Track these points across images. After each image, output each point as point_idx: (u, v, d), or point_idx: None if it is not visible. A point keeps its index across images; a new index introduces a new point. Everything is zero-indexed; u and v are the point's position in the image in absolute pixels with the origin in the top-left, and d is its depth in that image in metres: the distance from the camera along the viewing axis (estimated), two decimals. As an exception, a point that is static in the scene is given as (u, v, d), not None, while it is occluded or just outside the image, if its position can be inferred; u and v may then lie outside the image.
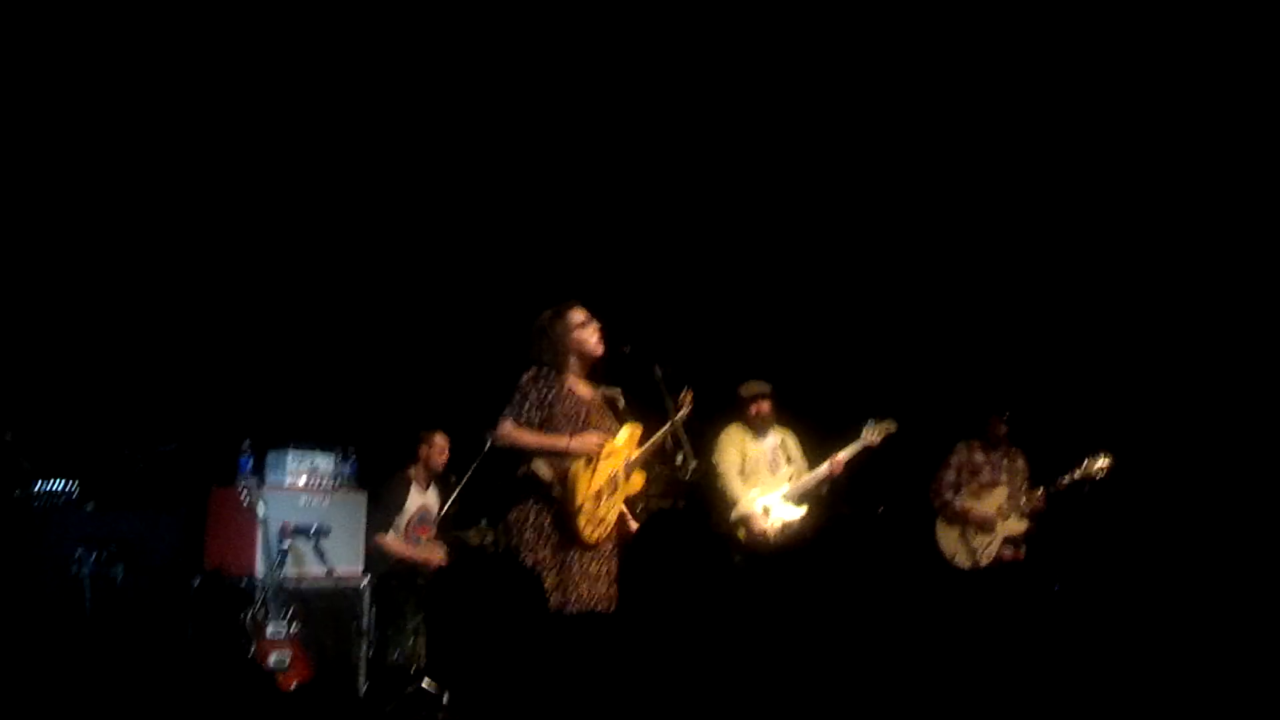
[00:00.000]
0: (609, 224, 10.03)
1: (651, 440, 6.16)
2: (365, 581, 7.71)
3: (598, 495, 5.90)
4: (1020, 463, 8.62)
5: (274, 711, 2.40)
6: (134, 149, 8.73)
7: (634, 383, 6.37)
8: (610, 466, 5.99)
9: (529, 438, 5.89)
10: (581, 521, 5.81)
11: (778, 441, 8.28)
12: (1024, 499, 8.39)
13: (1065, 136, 9.35)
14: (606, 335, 6.14)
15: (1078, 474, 8.28)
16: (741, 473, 8.07)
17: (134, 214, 8.76)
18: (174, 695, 2.54)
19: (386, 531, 8.21)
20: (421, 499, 8.47)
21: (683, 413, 6.20)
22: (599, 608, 5.83)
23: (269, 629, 6.81)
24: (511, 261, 9.94)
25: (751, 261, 10.24)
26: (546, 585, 5.66)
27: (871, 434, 8.14)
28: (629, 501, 6.18)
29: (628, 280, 9.50)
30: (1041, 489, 8.37)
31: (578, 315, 6.10)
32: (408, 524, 8.40)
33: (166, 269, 8.89)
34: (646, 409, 6.32)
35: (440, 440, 8.49)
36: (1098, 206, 9.48)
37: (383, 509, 8.22)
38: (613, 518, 5.99)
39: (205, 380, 8.92)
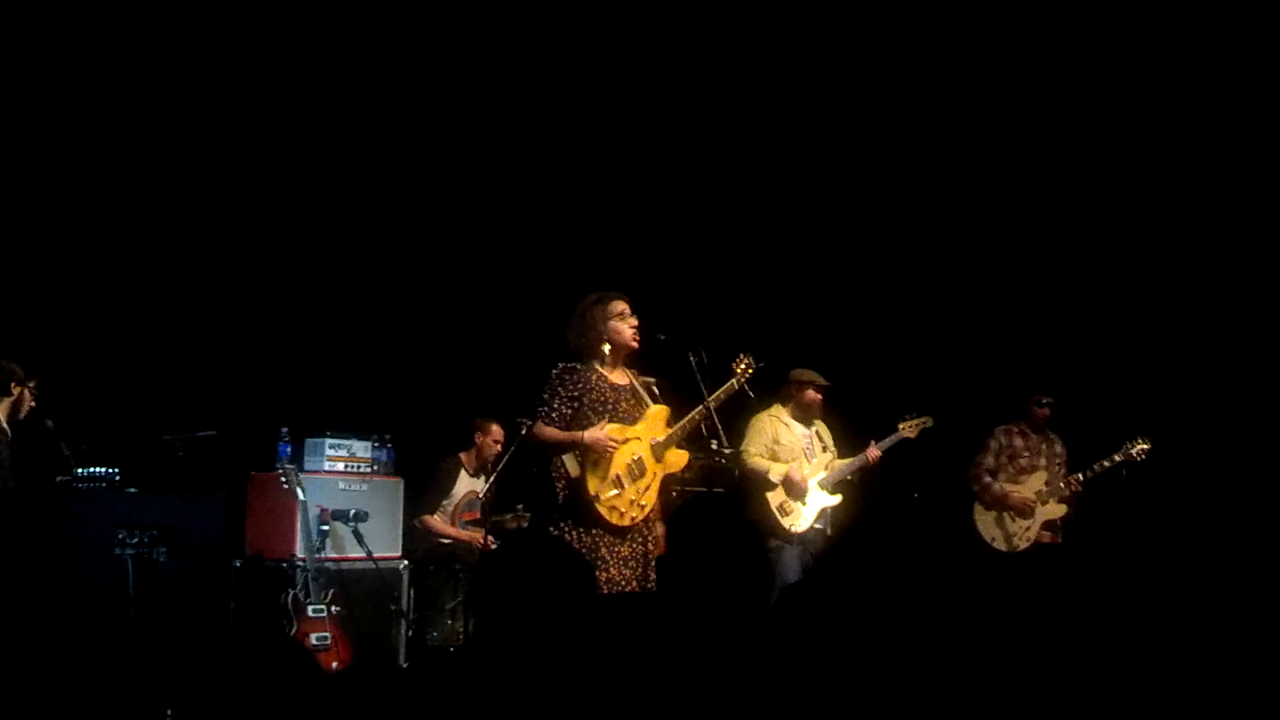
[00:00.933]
0: (651, 213, 10.04)
1: (682, 422, 6.20)
2: (404, 564, 7.82)
3: (616, 481, 5.96)
4: (1059, 447, 8.60)
5: (316, 690, 2.44)
6: (171, 139, 8.80)
7: (674, 370, 6.41)
8: (631, 451, 6.04)
9: (549, 434, 5.97)
10: (604, 509, 5.90)
11: (813, 430, 8.28)
12: (1062, 483, 8.39)
13: (1102, 120, 9.32)
14: (644, 330, 6.19)
15: (1117, 458, 8.29)
16: (776, 458, 8.05)
17: (176, 203, 8.82)
18: (217, 675, 2.58)
19: (433, 513, 8.33)
20: (470, 484, 8.57)
21: (729, 385, 6.27)
22: (629, 588, 5.91)
23: (309, 609, 6.89)
24: (553, 249, 9.98)
25: (785, 250, 10.23)
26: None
27: (907, 429, 8.14)
28: (666, 483, 6.24)
29: (667, 268, 9.51)
30: (1080, 474, 8.37)
31: (618, 305, 6.16)
32: (455, 508, 8.52)
33: (207, 258, 8.95)
34: (686, 397, 6.37)
35: (497, 430, 8.57)
36: (1134, 191, 9.43)
37: (432, 491, 8.42)
38: (648, 500, 6.04)
39: (244, 368, 8.99)
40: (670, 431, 6.17)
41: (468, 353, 9.79)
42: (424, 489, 8.41)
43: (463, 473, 8.61)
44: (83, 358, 8.20)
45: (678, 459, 6.22)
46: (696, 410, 6.18)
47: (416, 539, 8.22)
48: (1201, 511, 8.56)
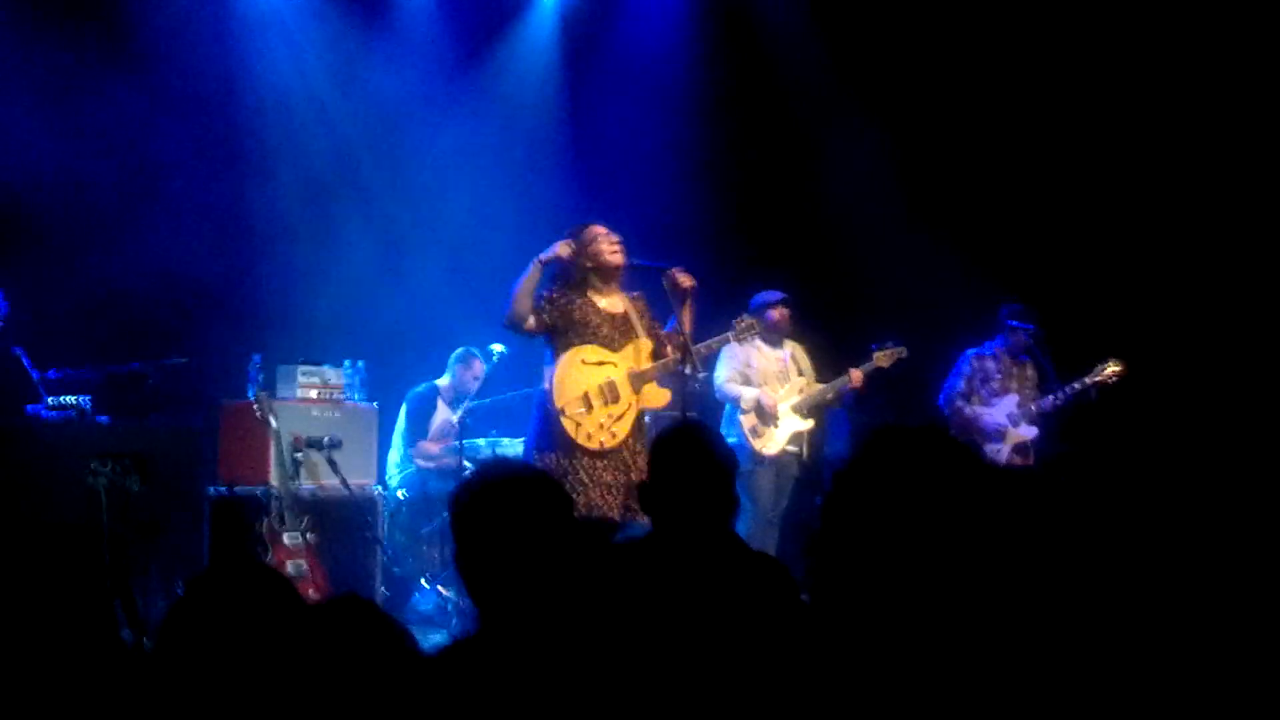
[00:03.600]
0: (625, 139, 10.00)
1: (664, 360, 6.28)
2: (379, 491, 7.84)
3: (585, 399, 6.05)
4: (1030, 370, 8.60)
5: (295, 618, 2.44)
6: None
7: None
8: (606, 373, 6.13)
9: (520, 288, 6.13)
10: (569, 424, 6.01)
11: (789, 353, 8.29)
12: (1033, 406, 8.40)
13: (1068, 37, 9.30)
14: (627, 248, 6.30)
15: (1088, 380, 8.29)
16: (748, 382, 8.06)
17: (150, 134, 8.70)
18: (194, 603, 2.57)
19: (425, 438, 8.46)
20: (446, 413, 8.58)
21: (724, 336, 6.61)
22: (611, 515, 5.97)
23: (285, 538, 6.91)
24: (529, 180, 9.98)
25: (759, 177, 10.19)
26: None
27: (881, 358, 8.13)
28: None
29: (642, 196, 9.47)
30: (1051, 396, 8.37)
31: (595, 229, 6.27)
32: (430, 437, 8.55)
33: (175, 185, 8.86)
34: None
35: (479, 366, 8.57)
36: (1107, 111, 9.38)
37: (418, 420, 8.48)
38: (620, 428, 6.12)
39: (215, 297, 8.93)
40: (651, 365, 6.23)
41: (444, 280, 9.77)
42: (413, 418, 8.44)
43: (439, 403, 8.62)
44: (51, 285, 8.11)
45: (657, 396, 6.32)
46: (679, 353, 6.23)
47: (420, 460, 8.42)
48: (1175, 436, 8.56)
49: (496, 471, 2.93)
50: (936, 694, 2.09)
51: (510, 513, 2.75)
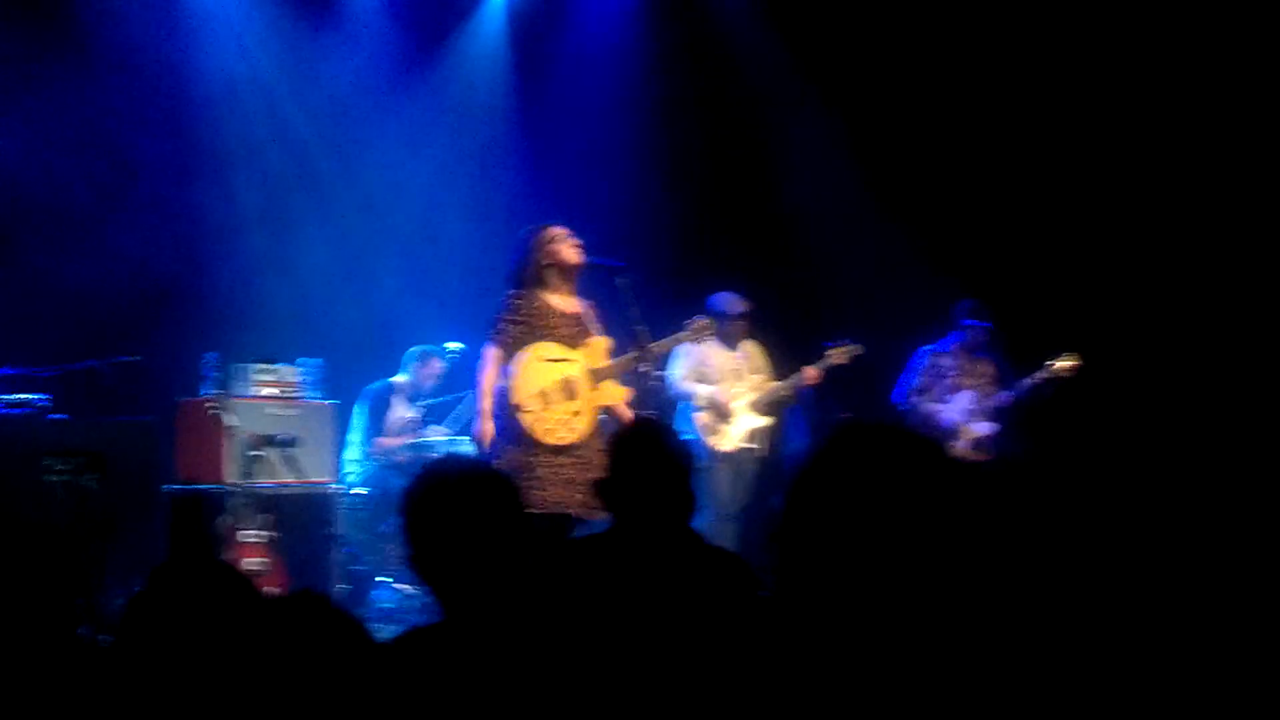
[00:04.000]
0: (580, 135, 10.01)
1: (622, 359, 6.39)
2: (334, 489, 7.84)
3: (543, 396, 6.09)
4: (986, 367, 8.65)
5: (254, 615, 2.45)
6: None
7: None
8: (564, 370, 6.18)
9: (485, 369, 6.24)
10: (526, 420, 6.04)
11: (745, 351, 8.33)
12: (990, 402, 8.44)
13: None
14: (585, 247, 6.37)
15: (1043, 375, 8.34)
16: (704, 379, 8.09)
17: (102, 131, 8.65)
18: (153, 602, 2.58)
19: (382, 434, 8.43)
20: (404, 411, 8.56)
21: (675, 336, 6.71)
22: (571, 512, 6.03)
23: (243, 535, 6.89)
24: (484, 176, 9.98)
25: (715, 174, 10.21)
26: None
27: (836, 354, 8.16)
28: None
29: (597, 193, 9.49)
30: (1008, 392, 8.42)
31: (554, 229, 6.33)
32: (388, 434, 8.54)
33: (128, 182, 8.80)
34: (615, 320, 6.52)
35: (437, 363, 8.56)
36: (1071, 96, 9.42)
37: (375, 417, 8.45)
38: (580, 424, 6.16)
39: (170, 294, 8.88)
40: (609, 363, 6.31)
41: (401, 278, 9.77)
42: (370, 415, 8.45)
43: (395, 400, 8.60)
44: (4, 282, 8.06)
45: (616, 393, 6.36)
46: (636, 352, 6.34)
47: (379, 457, 8.40)
48: (1133, 425, 8.60)
49: (444, 469, 2.95)
50: (900, 688, 2.11)
51: (460, 508, 2.78)
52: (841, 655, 2.11)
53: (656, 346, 6.42)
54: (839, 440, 2.23)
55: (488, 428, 6.17)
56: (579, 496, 6.01)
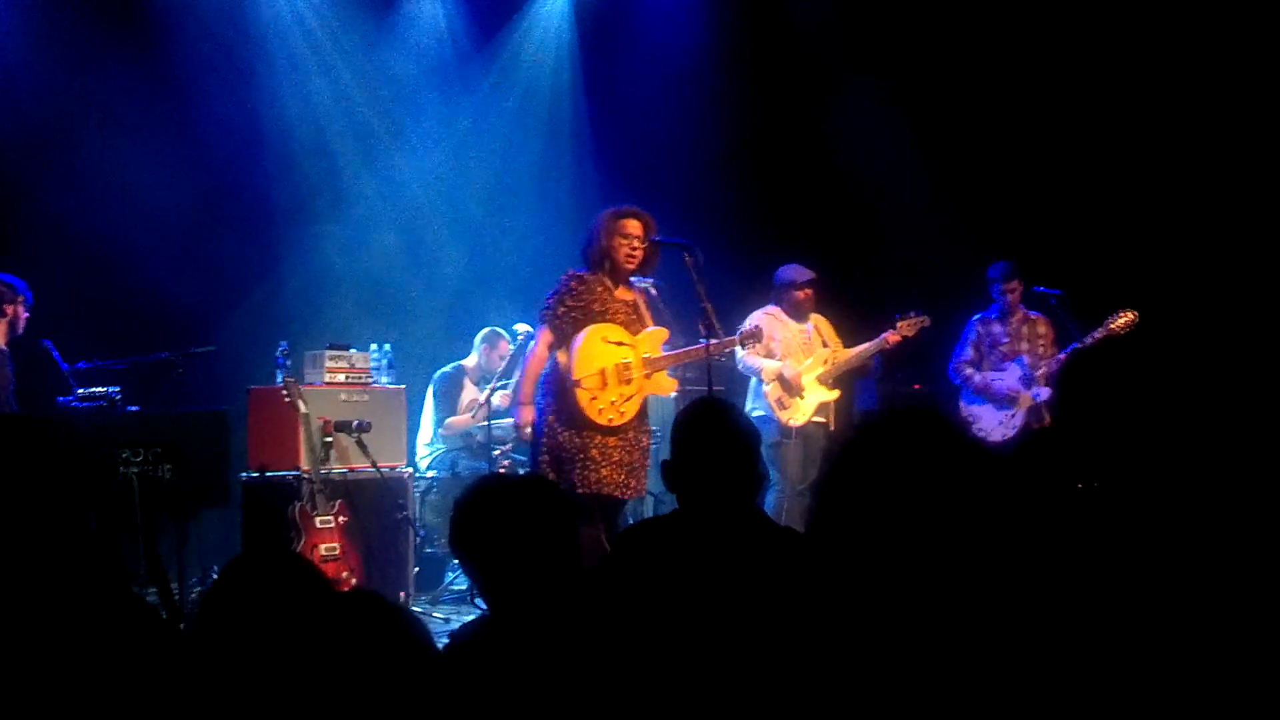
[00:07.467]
0: (643, 116, 10.01)
1: (679, 352, 6.50)
2: (409, 472, 7.91)
3: (602, 376, 6.12)
4: (1042, 328, 8.52)
5: (328, 603, 2.48)
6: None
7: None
8: (623, 354, 6.22)
9: (537, 351, 6.28)
10: (583, 397, 6.06)
11: (812, 325, 8.29)
12: (1044, 366, 8.31)
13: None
14: (655, 226, 6.35)
15: (1100, 334, 8.12)
16: (772, 355, 8.06)
17: (168, 122, 8.73)
18: (228, 590, 2.61)
19: (453, 414, 8.57)
20: (473, 393, 8.63)
21: (730, 340, 6.76)
22: (616, 494, 6.14)
23: (317, 521, 6.95)
24: (547, 160, 10.01)
25: (779, 152, 10.18)
26: (568, 469, 6.04)
27: (905, 327, 8.10)
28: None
29: (661, 173, 9.49)
30: (1065, 352, 8.29)
31: (627, 225, 6.31)
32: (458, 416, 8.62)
33: (198, 175, 8.88)
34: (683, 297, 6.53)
35: (505, 345, 8.60)
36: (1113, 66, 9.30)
37: (446, 400, 8.59)
38: (629, 409, 6.22)
39: (240, 285, 8.99)
40: (665, 355, 6.39)
41: (467, 261, 9.82)
42: (440, 399, 8.56)
43: (467, 382, 8.70)
44: (79, 277, 8.17)
45: (666, 384, 6.49)
46: (697, 347, 6.42)
47: (452, 439, 8.56)
48: (1191, 382, 8.46)
49: (491, 484, 3.01)
50: (939, 666, 2.12)
51: (509, 518, 2.82)
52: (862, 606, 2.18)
53: (714, 348, 6.41)
54: (885, 423, 2.29)
55: (528, 415, 6.22)
56: (624, 477, 6.13)
